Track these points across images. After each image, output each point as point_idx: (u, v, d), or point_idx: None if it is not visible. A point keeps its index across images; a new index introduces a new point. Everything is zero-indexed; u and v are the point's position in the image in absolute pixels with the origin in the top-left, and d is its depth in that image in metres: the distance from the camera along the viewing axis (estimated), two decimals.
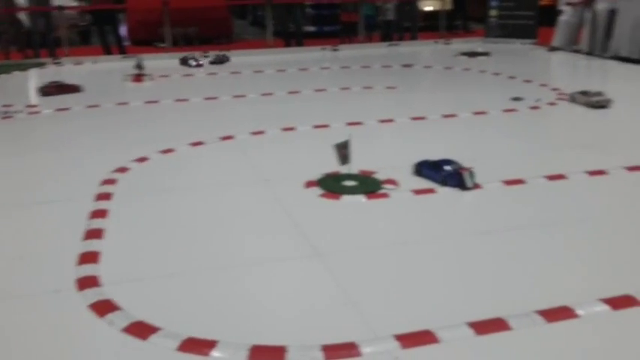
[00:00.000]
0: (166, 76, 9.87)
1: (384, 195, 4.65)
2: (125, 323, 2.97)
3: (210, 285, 3.40)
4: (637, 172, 5.07)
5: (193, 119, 7.22)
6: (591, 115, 7.25)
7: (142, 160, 5.50)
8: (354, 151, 4.77)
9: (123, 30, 13.38)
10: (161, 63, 11.02)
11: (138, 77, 9.49)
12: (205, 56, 11.29)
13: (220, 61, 10.94)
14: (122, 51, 12.04)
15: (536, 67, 10.61)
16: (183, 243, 3.90)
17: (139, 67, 9.55)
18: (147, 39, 13.11)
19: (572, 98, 7.26)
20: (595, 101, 6.81)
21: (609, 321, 3.01)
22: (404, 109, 7.44)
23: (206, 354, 2.76)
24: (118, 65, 10.84)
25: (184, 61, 10.83)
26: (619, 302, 3.10)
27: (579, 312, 3.03)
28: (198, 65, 10.67)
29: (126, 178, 5.07)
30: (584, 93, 6.91)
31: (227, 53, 11.36)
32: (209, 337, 2.86)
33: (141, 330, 2.92)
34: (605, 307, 3.07)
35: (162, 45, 12.55)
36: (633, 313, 3.05)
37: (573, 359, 2.72)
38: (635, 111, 7.45)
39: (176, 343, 2.81)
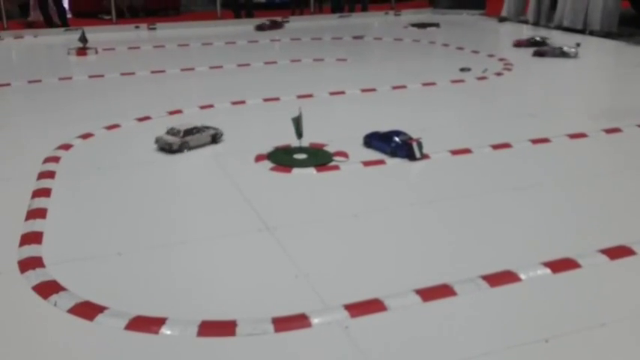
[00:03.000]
0: (112, 49, 9.58)
1: (335, 167, 4.67)
2: (71, 304, 2.92)
3: (158, 263, 3.36)
4: (577, 140, 5.23)
5: (140, 94, 7.05)
6: (536, 85, 7.42)
7: (86, 136, 5.35)
8: (305, 124, 4.75)
9: (65, 1, 12.85)
10: (106, 36, 10.67)
11: (82, 51, 9.18)
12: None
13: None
14: (65, 24, 11.59)
15: (484, 38, 10.75)
16: (130, 221, 3.84)
17: (83, 40, 9.23)
18: (90, 11, 12.66)
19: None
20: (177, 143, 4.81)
21: (550, 284, 3.12)
22: (354, 80, 7.44)
23: (155, 332, 2.73)
24: (61, 39, 10.45)
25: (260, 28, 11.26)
26: (558, 265, 3.22)
27: (522, 276, 3.13)
28: None
29: (69, 156, 4.93)
30: (175, 132, 4.93)
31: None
32: (158, 314, 2.84)
33: (87, 310, 2.87)
34: (546, 271, 3.18)
35: (107, 17, 12.15)
36: (572, 275, 3.17)
37: (516, 322, 2.81)
38: (575, 81, 7.66)
39: (124, 322, 2.78)
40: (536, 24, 11.17)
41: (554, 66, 8.33)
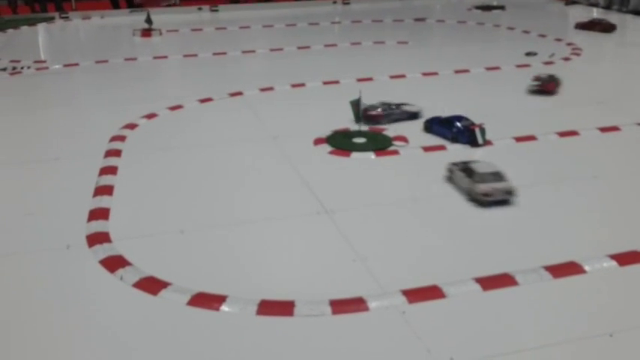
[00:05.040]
0: (175, 30, 9.76)
1: (394, 152, 4.63)
2: (136, 278, 3.03)
3: (219, 241, 3.43)
4: None
5: (202, 75, 7.18)
6: (605, 71, 7.12)
7: (150, 116, 5.50)
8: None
9: None
10: (170, 17, 10.88)
11: (147, 32, 9.40)
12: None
13: None
14: (130, 5, 11.87)
15: (552, 21, 10.36)
16: (193, 200, 3.93)
17: (149, 21, 9.46)
18: None
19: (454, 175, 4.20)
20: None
21: (616, 277, 3.01)
22: (415, 64, 7.34)
23: (216, 309, 2.81)
24: (127, 20, 10.72)
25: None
26: (625, 258, 3.10)
27: (586, 268, 3.03)
28: None
29: (135, 135, 5.08)
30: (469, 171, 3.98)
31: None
32: (219, 292, 2.90)
33: (151, 285, 2.97)
34: (613, 263, 3.07)
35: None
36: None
37: (580, 314, 2.73)
38: None
39: (186, 298, 2.86)
40: (607, 7, 10.69)
41: (627, 51, 7.96)
